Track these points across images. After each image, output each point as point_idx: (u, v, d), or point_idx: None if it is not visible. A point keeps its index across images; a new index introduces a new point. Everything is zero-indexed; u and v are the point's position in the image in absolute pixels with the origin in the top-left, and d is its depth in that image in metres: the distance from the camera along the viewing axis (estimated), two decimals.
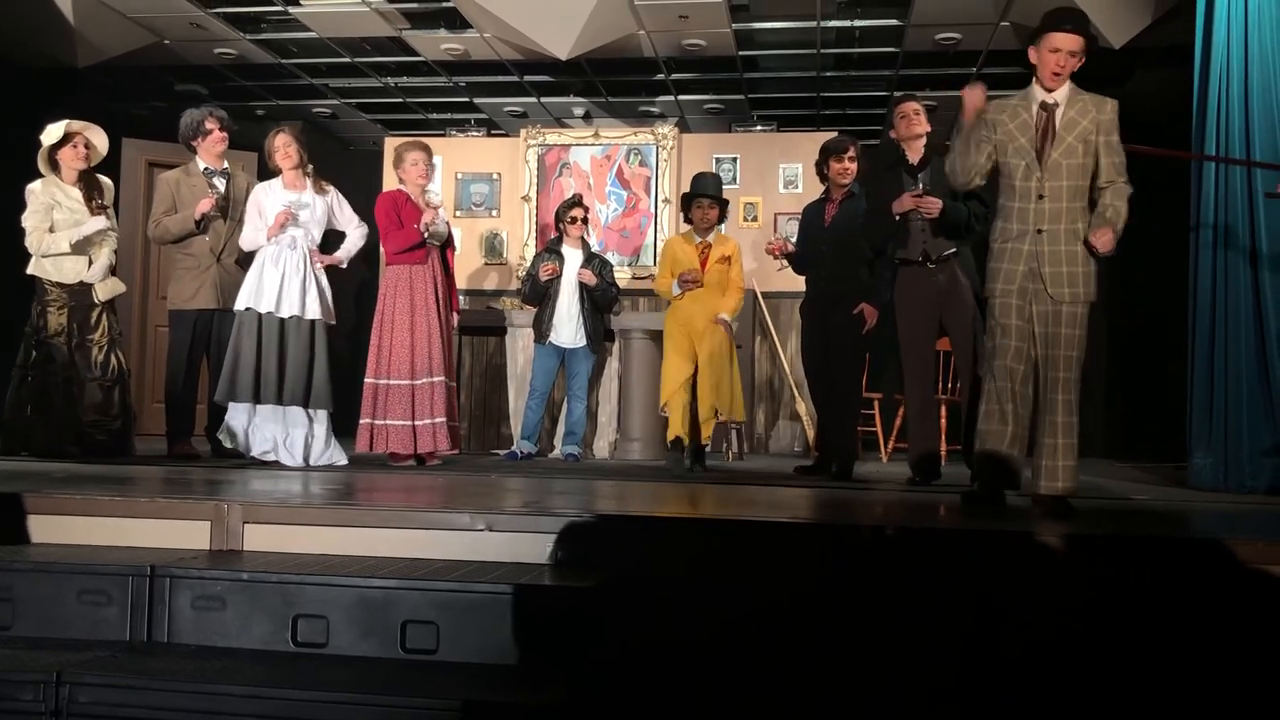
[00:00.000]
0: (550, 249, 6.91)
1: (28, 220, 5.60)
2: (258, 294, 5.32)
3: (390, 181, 7.89)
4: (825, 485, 5.18)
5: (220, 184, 5.83)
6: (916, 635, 2.90)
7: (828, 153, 5.70)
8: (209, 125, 5.81)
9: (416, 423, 5.59)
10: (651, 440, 6.85)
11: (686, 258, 5.90)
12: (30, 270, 5.64)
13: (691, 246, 5.95)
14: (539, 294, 6.77)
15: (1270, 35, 5.18)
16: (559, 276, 6.72)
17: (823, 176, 5.77)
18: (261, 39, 8.25)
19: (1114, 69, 8.15)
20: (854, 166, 5.62)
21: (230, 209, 5.79)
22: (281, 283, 5.32)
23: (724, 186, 8.88)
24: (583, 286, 6.70)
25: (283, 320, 5.32)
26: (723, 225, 6.12)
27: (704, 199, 5.91)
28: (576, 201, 6.93)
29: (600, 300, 6.78)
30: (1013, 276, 3.86)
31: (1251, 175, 5.16)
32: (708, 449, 6.02)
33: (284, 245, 5.38)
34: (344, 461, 5.47)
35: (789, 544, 3.21)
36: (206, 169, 5.85)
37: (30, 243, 5.61)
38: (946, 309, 5.09)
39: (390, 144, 8.97)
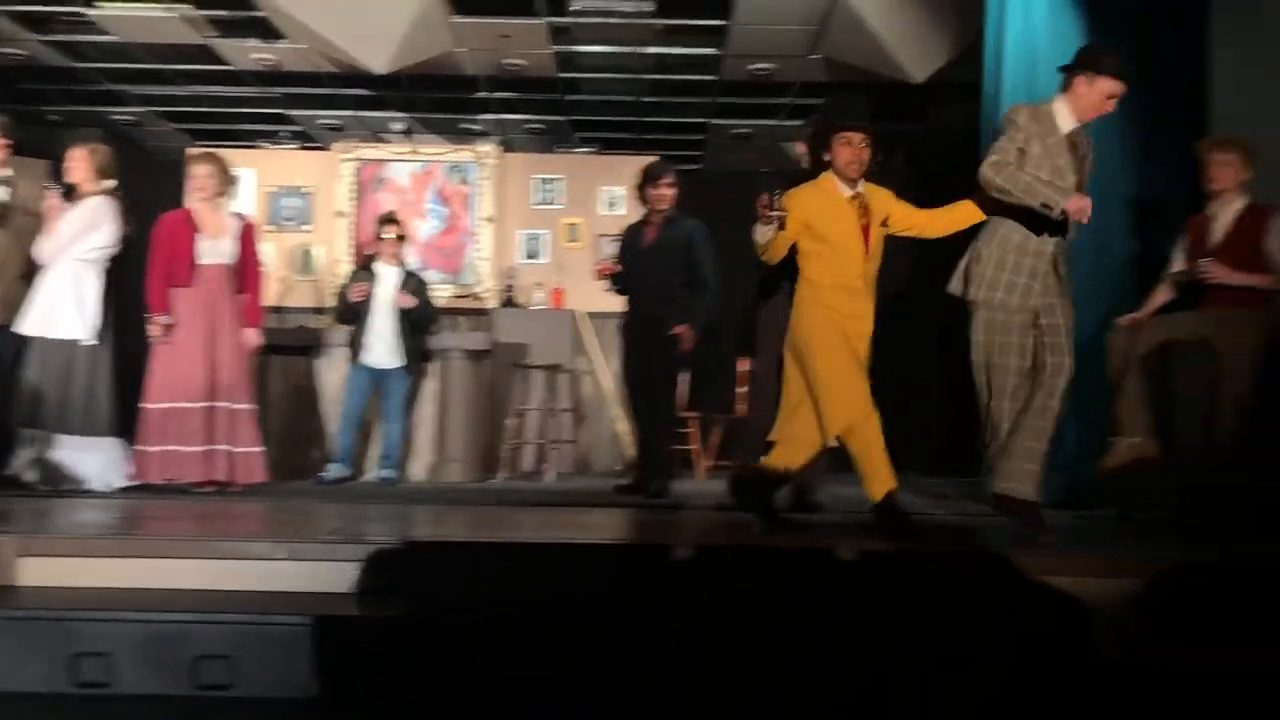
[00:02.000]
0: (365, 266, 6.71)
1: None
2: (40, 316, 5.09)
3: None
4: (643, 505, 5.21)
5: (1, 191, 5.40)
6: (737, 655, 2.94)
7: (646, 178, 5.76)
8: None
9: (214, 448, 5.30)
10: (471, 462, 6.76)
11: (837, 219, 3.90)
12: None
13: (841, 203, 3.91)
14: (352, 313, 6.55)
15: (1052, 76, 5.52)
16: (372, 294, 6.51)
17: (642, 200, 5.83)
18: (54, 40, 7.77)
19: (915, 103, 8.58)
20: (671, 193, 5.69)
21: (9, 218, 5.36)
22: (52, 301, 5.10)
23: (547, 207, 9.00)
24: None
25: (73, 344, 5.10)
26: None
27: (853, 133, 3.90)
28: (390, 219, 6.73)
29: (418, 321, 6.61)
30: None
31: None
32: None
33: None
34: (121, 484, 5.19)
35: (606, 567, 3.21)
36: None
37: None
38: None
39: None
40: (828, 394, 3.78)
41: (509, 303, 8.37)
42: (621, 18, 7.32)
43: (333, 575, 3.11)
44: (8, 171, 5.50)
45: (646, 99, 8.86)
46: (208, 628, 2.80)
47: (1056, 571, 3.12)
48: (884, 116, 8.99)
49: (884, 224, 3.98)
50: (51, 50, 7.93)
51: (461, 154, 8.63)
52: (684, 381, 7.10)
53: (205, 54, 8.03)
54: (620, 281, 5.87)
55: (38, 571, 3.14)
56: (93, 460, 5.08)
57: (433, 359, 7.05)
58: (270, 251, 8.52)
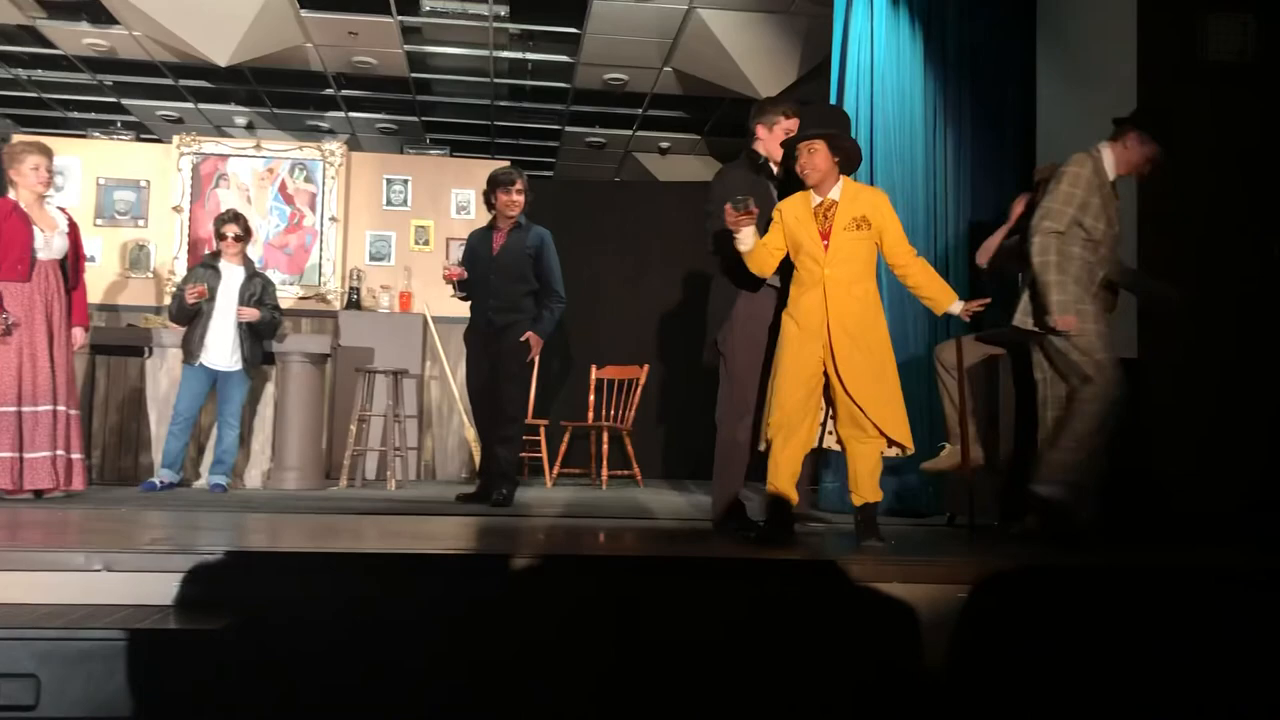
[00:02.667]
0: (207, 264, 6.41)
1: None
2: None
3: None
4: (487, 513, 5.16)
5: None
6: (578, 662, 2.93)
7: (495, 184, 5.71)
8: None
9: (27, 455, 5.02)
10: (309, 469, 6.57)
11: (804, 224, 3.94)
12: None
13: (807, 209, 3.96)
14: (186, 314, 6.26)
15: (892, 100, 5.75)
16: (214, 294, 6.25)
17: (490, 205, 5.78)
18: None
19: None
20: (521, 199, 5.66)
21: None
22: None
23: (396, 209, 8.84)
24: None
25: None
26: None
27: (804, 142, 3.94)
28: (231, 217, 6.42)
29: (263, 329, 6.37)
30: None
31: None
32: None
33: None
34: None
35: (445, 577, 3.16)
36: None
37: None
38: None
39: (4, 149, 8.13)
40: (768, 402, 3.96)
41: (354, 305, 8.18)
42: (474, 20, 7.26)
43: (154, 587, 2.97)
44: None
45: (500, 103, 8.81)
46: (9, 645, 2.63)
47: (886, 578, 3.22)
48: (732, 132, 9.24)
49: (860, 227, 3.87)
50: None
51: (307, 151, 8.40)
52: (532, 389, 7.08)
53: (30, 35, 7.60)
54: (465, 287, 5.82)
55: None
56: None
57: (272, 362, 6.84)
58: (100, 246, 8.12)
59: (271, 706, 2.79)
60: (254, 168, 8.31)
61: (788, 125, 4.38)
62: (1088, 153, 4.23)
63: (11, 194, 5.33)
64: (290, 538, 3.89)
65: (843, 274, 3.86)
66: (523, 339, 5.56)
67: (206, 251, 6.57)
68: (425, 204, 8.60)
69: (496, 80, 8.32)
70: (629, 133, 9.42)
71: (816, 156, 3.89)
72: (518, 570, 3.18)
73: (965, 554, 3.78)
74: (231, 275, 6.34)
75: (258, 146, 8.41)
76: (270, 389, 6.81)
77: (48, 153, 5.37)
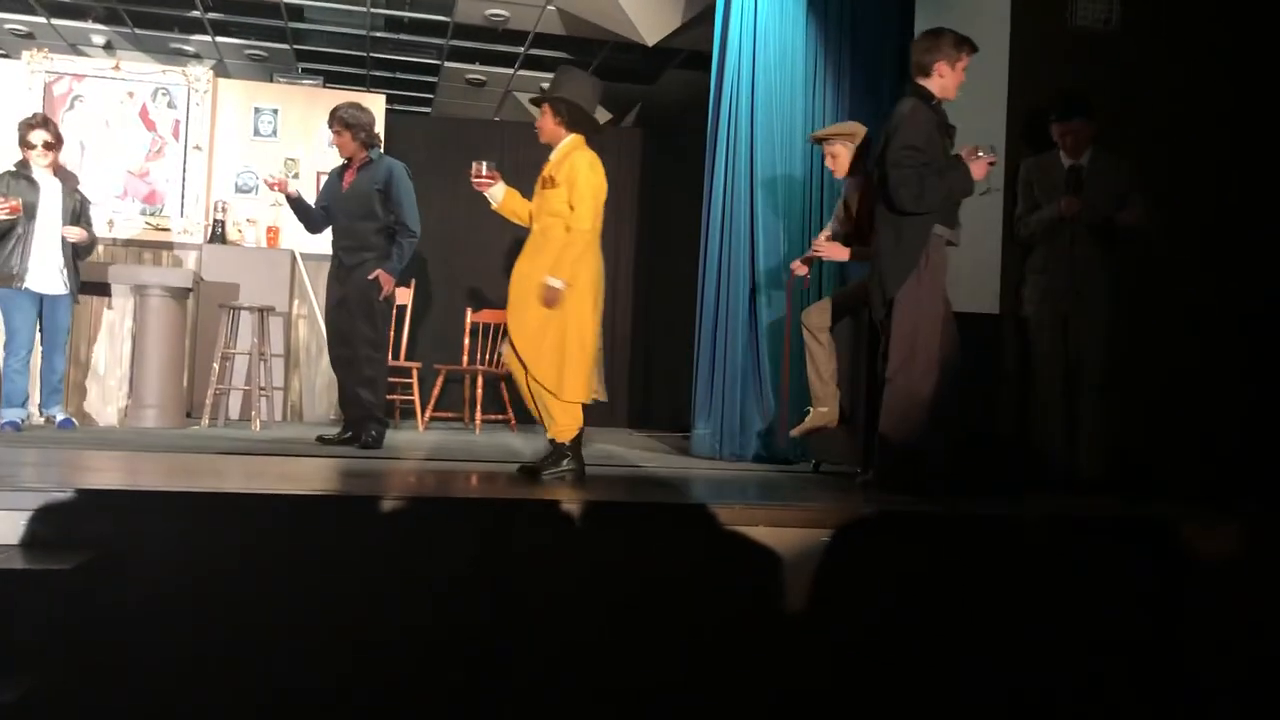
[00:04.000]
0: (18, 175, 5.78)
1: None
2: None
3: None
4: (354, 456, 5.08)
5: None
6: (445, 606, 2.93)
7: (329, 121, 5.62)
8: None
9: None
10: (168, 407, 6.35)
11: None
12: None
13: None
14: None
15: (774, 50, 5.78)
16: (33, 210, 5.71)
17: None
18: None
19: (645, 67, 8.74)
20: (341, 139, 5.56)
21: None
22: None
23: (265, 139, 8.53)
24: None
25: None
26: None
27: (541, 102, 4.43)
28: (39, 122, 5.83)
29: (83, 250, 5.97)
30: None
31: (754, 178, 5.73)
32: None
33: None
34: None
35: (298, 518, 3.10)
36: None
37: None
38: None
39: None
40: None
41: (218, 239, 7.88)
42: None
43: (1, 525, 2.85)
44: None
45: (376, 34, 8.55)
46: None
47: (753, 522, 3.29)
48: (615, 76, 9.17)
49: (551, 185, 4.31)
50: None
51: (171, 76, 8.00)
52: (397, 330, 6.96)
53: None
54: (309, 216, 5.72)
55: None
56: None
57: (129, 296, 6.56)
58: None
59: (123, 647, 2.72)
60: (113, 91, 7.89)
61: (966, 64, 4.35)
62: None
63: None
64: (148, 476, 3.76)
65: (547, 226, 4.30)
66: (371, 277, 5.46)
67: (16, 162, 5.87)
68: (296, 136, 8.31)
69: (372, 10, 8.05)
70: (510, 71, 9.26)
71: (543, 119, 4.39)
72: (387, 512, 3.15)
73: (829, 500, 3.90)
74: (50, 188, 5.83)
75: (116, 68, 7.98)
76: (128, 323, 6.54)
77: None
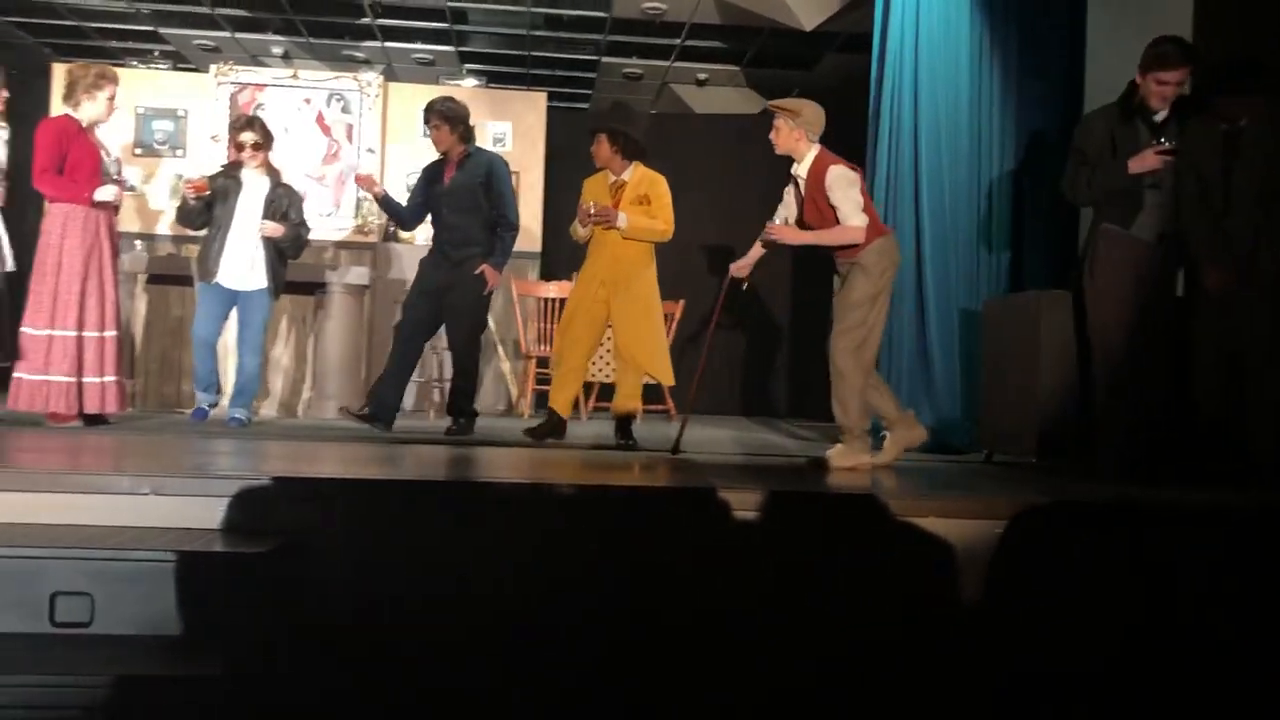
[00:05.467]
0: (226, 174, 5.88)
1: None
2: None
3: (58, 111, 7.17)
4: (537, 445, 5.20)
5: None
6: (607, 595, 2.98)
7: (425, 118, 5.66)
8: None
9: (84, 379, 5.07)
10: (347, 399, 6.64)
11: (595, 195, 5.27)
12: None
13: (604, 186, 5.29)
14: (189, 216, 5.76)
15: (938, 29, 5.63)
16: (233, 205, 5.74)
17: None
18: None
19: (803, 52, 8.63)
20: (439, 134, 5.54)
21: None
22: None
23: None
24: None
25: None
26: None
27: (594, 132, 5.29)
28: (246, 123, 5.92)
29: (287, 246, 5.91)
30: None
31: (918, 159, 5.60)
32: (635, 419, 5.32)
33: None
34: None
35: (477, 506, 3.20)
36: None
37: None
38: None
39: (64, 69, 8.15)
40: None
41: (392, 238, 8.20)
42: None
43: (199, 511, 3.04)
44: None
45: (537, 33, 8.72)
46: (65, 563, 2.71)
47: (926, 513, 3.23)
48: (772, 62, 9.09)
49: (645, 200, 5.16)
50: None
51: (344, 82, 8.36)
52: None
53: None
54: (399, 214, 5.81)
55: None
56: None
57: (313, 293, 6.90)
58: (139, 176, 8.16)
59: (311, 628, 2.86)
60: (291, 98, 8.30)
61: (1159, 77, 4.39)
62: None
63: (70, 112, 5.22)
64: (332, 465, 3.95)
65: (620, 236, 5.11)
66: (478, 272, 5.50)
67: (230, 162, 6.06)
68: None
69: (533, 9, 8.22)
70: (666, 64, 9.30)
71: (600, 148, 5.17)
72: (563, 499, 3.22)
73: (1001, 490, 3.79)
74: (254, 185, 5.85)
75: (295, 76, 8.39)
76: (309, 320, 6.87)
77: (118, 83, 5.31)
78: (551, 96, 9.59)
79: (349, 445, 4.81)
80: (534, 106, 8.76)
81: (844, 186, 4.39)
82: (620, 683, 2.94)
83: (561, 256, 8.43)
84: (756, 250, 4.74)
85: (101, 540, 2.84)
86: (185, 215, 5.78)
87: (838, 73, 8.89)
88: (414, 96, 8.66)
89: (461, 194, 5.54)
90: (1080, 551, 3.21)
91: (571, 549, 3.08)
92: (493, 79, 9.70)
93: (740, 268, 4.76)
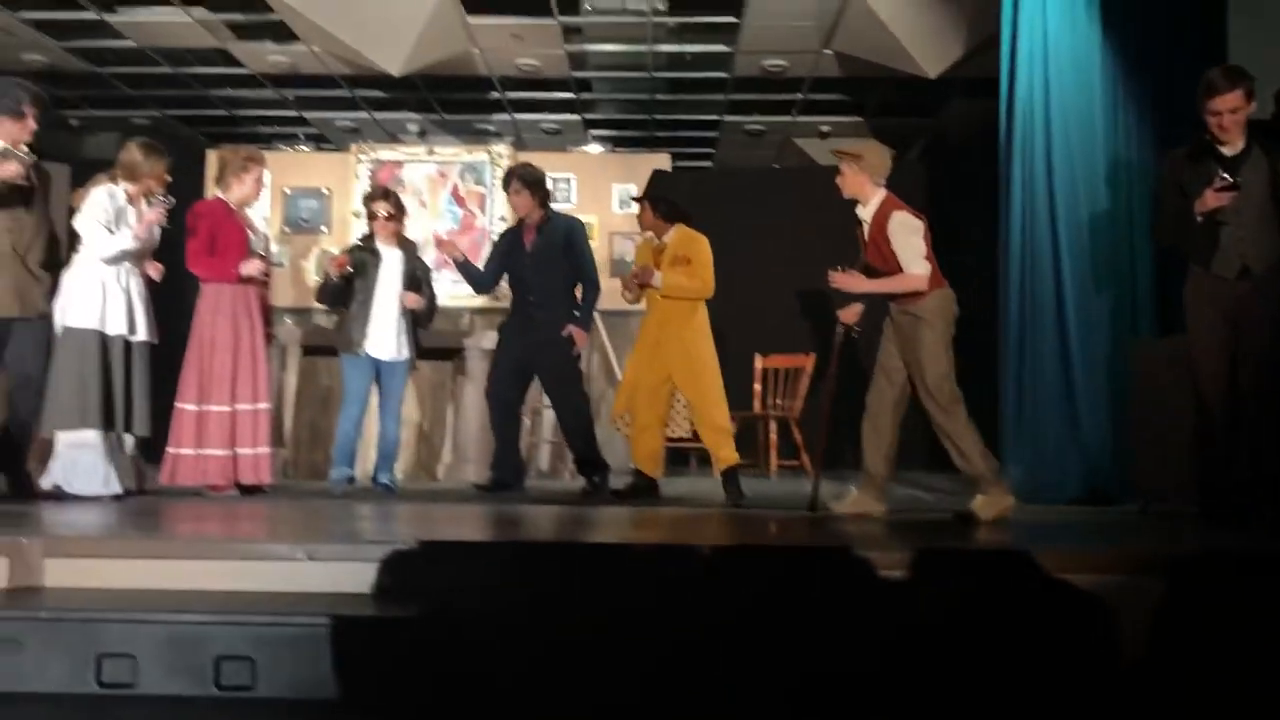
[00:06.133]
0: (363, 247, 5.92)
1: None
2: (102, 313, 4.83)
3: (212, 193, 7.60)
4: (664, 504, 5.22)
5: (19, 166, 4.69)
6: (751, 658, 2.95)
7: (504, 185, 5.82)
8: (27, 110, 4.74)
9: (238, 451, 5.30)
10: (486, 462, 6.77)
11: (643, 258, 5.59)
12: None
13: (649, 248, 5.59)
14: (332, 293, 5.83)
15: (1068, 68, 5.52)
16: (373, 278, 5.78)
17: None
18: (75, 47, 7.84)
19: (928, 99, 8.56)
20: (521, 199, 5.66)
21: (35, 202, 4.81)
22: (128, 302, 4.92)
23: (561, 206, 9.01)
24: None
25: (127, 342, 4.92)
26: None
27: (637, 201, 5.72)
28: (380, 194, 5.99)
29: (422, 315, 5.97)
30: None
31: (1054, 201, 5.48)
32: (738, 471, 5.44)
33: (123, 260, 4.95)
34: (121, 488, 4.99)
35: (623, 568, 3.22)
36: (4, 149, 4.69)
37: None
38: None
39: (216, 154, 8.66)
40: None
41: None
42: (633, 16, 7.33)
43: (352, 576, 3.13)
44: (29, 156, 4.77)
45: (659, 96, 8.87)
46: (228, 629, 2.82)
47: (1079, 568, 3.11)
48: (896, 111, 9.04)
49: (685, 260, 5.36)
50: (73, 56, 8.00)
51: (476, 155, 8.65)
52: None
53: (222, 57, 8.09)
54: (478, 279, 5.90)
55: (63, 573, 3.17)
56: (116, 461, 4.93)
57: (451, 358, 7.09)
58: (288, 253, 8.57)
59: (461, 690, 2.90)
60: (427, 172, 8.62)
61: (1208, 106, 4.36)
62: None
63: (221, 195, 5.49)
64: (472, 528, 4.03)
65: (665, 291, 5.36)
66: (565, 333, 5.57)
67: (363, 235, 6.13)
68: (589, 200, 8.74)
69: (655, 74, 8.38)
70: (788, 118, 9.34)
71: (643, 214, 5.52)
72: (706, 559, 3.21)
73: (1160, 541, 3.62)
74: (391, 257, 5.87)
75: (430, 152, 8.72)
76: (448, 385, 7.05)
77: (265, 165, 5.59)
78: (675, 156, 9.73)
79: (489, 507, 4.91)
80: (659, 167, 8.90)
81: (906, 234, 4.40)
82: None
83: None
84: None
85: (261, 606, 2.95)
86: (327, 292, 5.87)
87: (964, 118, 8.78)
88: (542, 164, 8.88)
89: (545, 257, 5.63)
90: (1250, 606, 3.04)
91: (714, 609, 3.06)
92: (618, 143, 9.90)
93: (849, 314, 4.74)
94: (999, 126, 5.80)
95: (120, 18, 7.32)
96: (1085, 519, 4.60)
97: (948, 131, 9.25)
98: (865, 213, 4.53)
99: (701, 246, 5.43)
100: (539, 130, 9.79)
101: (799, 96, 8.80)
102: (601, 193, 8.77)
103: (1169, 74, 5.46)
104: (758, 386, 8.12)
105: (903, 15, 7.10)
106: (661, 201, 5.51)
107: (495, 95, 8.79)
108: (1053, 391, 5.44)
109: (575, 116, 9.37)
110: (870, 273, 4.53)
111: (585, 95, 8.88)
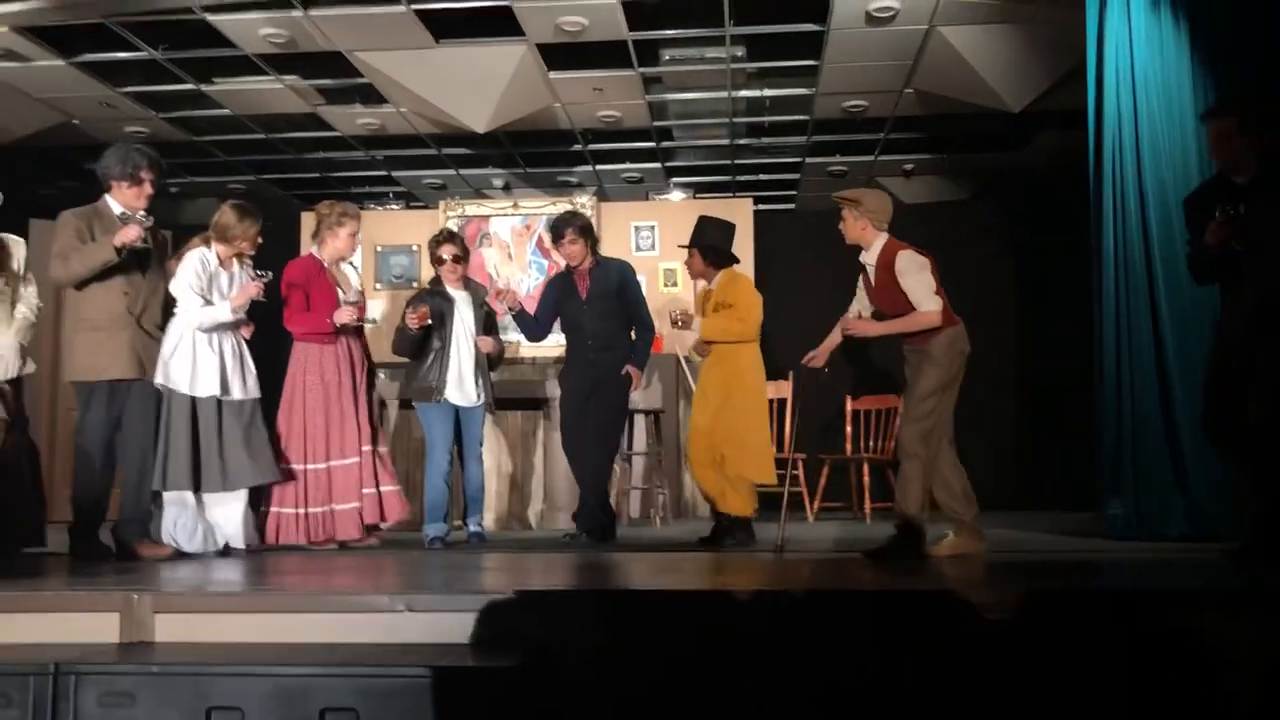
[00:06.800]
0: (433, 293, 5.87)
1: None
2: (193, 378, 4.97)
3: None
4: (757, 551, 5.17)
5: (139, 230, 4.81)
6: (848, 703, 2.90)
7: (553, 237, 5.87)
8: (145, 175, 4.90)
9: (335, 507, 5.38)
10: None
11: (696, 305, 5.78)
12: None
13: (700, 295, 5.80)
14: (409, 342, 5.77)
15: (1157, 98, 5.42)
16: (450, 324, 5.76)
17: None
18: (174, 117, 8.18)
19: (1014, 132, 8.45)
20: (575, 248, 5.71)
21: (151, 264, 4.96)
22: (221, 364, 5.05)
23: (644, 254, 9.11)
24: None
25: (220, 402, 5.04)
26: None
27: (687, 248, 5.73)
28: (446, 237, 5.95)
29: (495, 358, 6.06)
30: None
31: (1148, 234, 5.36)
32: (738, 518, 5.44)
33: (217, 329, 5.09)
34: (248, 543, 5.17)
35: (718, 614, 3.20)
36: (123, 214, 4.87)
37: None
38: None
39: (315, 210, 8.94)
40: None
41: None
42: (712, 64, 7.40)
43: (451, 626, 3.17)
44: (147, 219, 4.86)
45: (740, 141, 8.91)
46: (333, 680, 2.87)
47: (1197, 607, 3.01)
48: (979, 146, 8.94)
49: (728, 305, 5.41)
50: (172, 126, 8.35)
51: (560, 206, 8.78)
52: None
53: (313, 121, 8.36)
54: (531, 326, 5.94)
55: (173, 628, 3.26)
56: (229, 516, 5.09)
57: (539, 407, 7.15)
58: (381, 309, 8.76)
59: None
60: (513, 225, 8.78)
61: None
62: None
63: (315, 252, 5.67)
64: (567, 576, 4.05)
65: (708, 336, 5.47)
66: (623, 373, 5.67)
67: (430, 280, 6.10)
68: (671, 247, 8.78)
69: (735, 119, 8.42)
70: (871, 158, 9.30)
71: (693, 262, 5.60)
72: (790, 605, 3.18)
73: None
74: (461, 301, 5.85)
75: (515, 205, 8.89)
76: (540, 432, 7.11)
77: (359, 219, 5.75)
78: (757, 200, 9.75)
79: (581, 556, 4.93)
80: (741, 212, 8.94)
81: (914, 271, 4.46)
82: None
83: (773, 358, 8.46)
84: (834, 338, 4.85)
85: (364, 658, 3.00)
86: (405, 343, 5.79)
87: (1051, 151, 8.65)
88: (625, 213, 9.00)
89: (602, 301, 5.73)
90: None
91: (812, 656, 3.02)
92: (699, 189, 9.95)
93: (814, 359, 4.90)
94: (1088, 158, 5.71)
95: (216, 88, 7.62)
96: (1196, 557, 4.44)
97: (1034, 165, 9.12)
98: (869, 257, 4.65)
99: (744, 289, 5.51)
100: (621, 180, 9.89)
101: (881, 136, 8.77)
102: (685, 238, 8.79)
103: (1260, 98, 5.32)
104: (849, 429, 8.03)
105: (984, 50, 7.04)
106: (708, 248, 5.55)
107: (577, 147, 8.92)
108: (1153, 428, 5.29)
109: (657, 165, 9.45)
110: (881, 319, 4.63)
111: (666, 143, 8.96)
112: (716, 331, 5.41)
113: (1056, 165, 8.63)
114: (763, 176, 9.79)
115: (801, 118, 8.40)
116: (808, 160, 9.40)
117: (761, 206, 9.85)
